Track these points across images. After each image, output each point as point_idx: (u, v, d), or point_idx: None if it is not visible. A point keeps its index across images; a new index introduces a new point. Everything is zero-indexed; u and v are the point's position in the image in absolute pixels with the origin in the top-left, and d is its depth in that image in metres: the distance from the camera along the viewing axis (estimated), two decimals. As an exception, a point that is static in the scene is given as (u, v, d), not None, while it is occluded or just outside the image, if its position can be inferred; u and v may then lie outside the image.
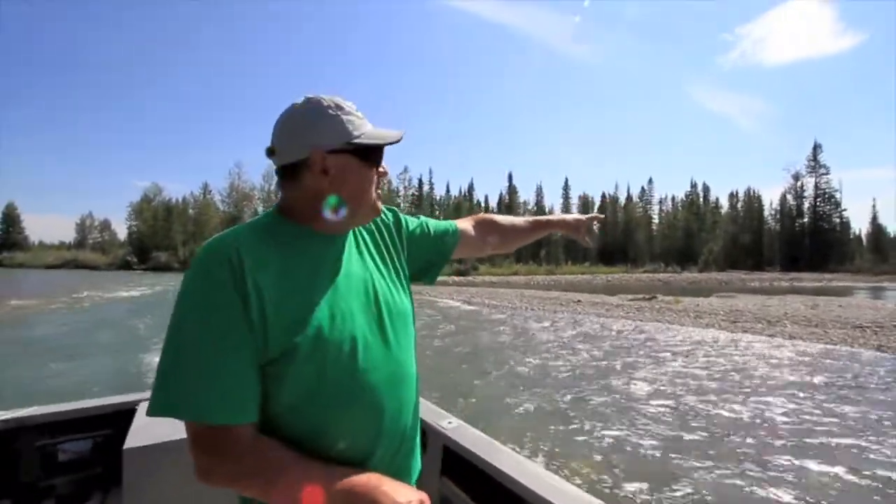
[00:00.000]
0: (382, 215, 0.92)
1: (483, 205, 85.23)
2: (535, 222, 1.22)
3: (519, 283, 38.91)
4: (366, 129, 0.76)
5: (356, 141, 0.73)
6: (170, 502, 1.41)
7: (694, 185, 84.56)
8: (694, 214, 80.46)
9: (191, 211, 72.55)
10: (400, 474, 0.76)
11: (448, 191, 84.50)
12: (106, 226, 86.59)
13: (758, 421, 5.01)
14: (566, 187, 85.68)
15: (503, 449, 1.26)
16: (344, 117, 0.74)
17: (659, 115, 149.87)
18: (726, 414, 5.19)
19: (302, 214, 0.75)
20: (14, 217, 77.64)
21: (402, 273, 0.89)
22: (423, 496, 0.66)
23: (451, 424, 1.43)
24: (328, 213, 0.75)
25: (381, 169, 0.79)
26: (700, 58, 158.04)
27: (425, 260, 0.99)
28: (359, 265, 0.80)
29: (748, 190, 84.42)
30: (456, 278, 46.01)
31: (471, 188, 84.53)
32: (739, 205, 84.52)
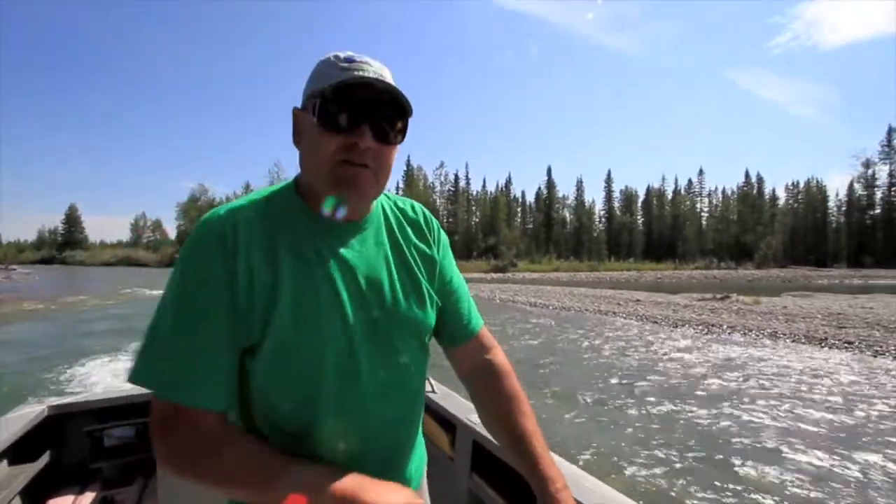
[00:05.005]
0: (441, 232, 0.78)
1: (520, 200, 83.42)
2: (526, 444, 0.69)
3: (562, 280, 37.17)
4: (340, 77, 0.59)
5: (314, 89, 0.60)
6: (202, 489, 1.18)
7: (748, 177, 79.40)
8: (749, 207, 75.52)
9: (234, 210, 74.46)
10: None
11: (484, 186, 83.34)
12: (158, 225, 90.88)
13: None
14: (608, 180, 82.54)
15: None
16: (325, 70, 0.61)
17: (705, 104, 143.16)
18: None
19: (304, 189, 0.66)
20: (76, 218, 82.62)
21: (426, 284, 0.71)
22: (416, 499, 0.55)
23: None
24: (327, 211, 0.64)
25: (350, 135, 0.59)
26: (747, 43, 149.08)
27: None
28: (370, 259, 0.66)
29: (809, 180, 78.58)
30: (493, 275, 44.77)
31: (508, 182, 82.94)
32: (800, 196, 78.68)
